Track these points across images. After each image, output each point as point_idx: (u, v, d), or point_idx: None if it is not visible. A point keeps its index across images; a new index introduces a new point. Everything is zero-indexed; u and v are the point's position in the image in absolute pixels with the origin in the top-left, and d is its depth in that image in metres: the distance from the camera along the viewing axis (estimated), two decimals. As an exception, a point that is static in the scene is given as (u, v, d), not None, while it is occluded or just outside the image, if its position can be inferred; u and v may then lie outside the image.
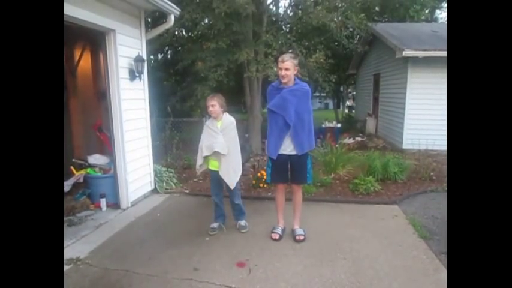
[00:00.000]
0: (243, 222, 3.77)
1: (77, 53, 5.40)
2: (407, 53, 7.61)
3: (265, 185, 5.13)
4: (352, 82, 16.92)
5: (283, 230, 3.57)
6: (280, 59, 3.25)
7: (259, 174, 5.24)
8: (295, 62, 3.26)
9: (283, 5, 12.26)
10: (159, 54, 13.25)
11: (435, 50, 7.58)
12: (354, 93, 18.01)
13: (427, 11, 15.60)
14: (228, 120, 3.58)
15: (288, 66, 3.18)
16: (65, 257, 3.11)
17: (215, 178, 3.63)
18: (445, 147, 6.40)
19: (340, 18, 7.79)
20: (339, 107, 20.19)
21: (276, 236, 3.48)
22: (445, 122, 1.53)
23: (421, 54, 7.67)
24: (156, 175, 5.26)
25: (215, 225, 3.72)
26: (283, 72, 3.21)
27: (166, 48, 12.14)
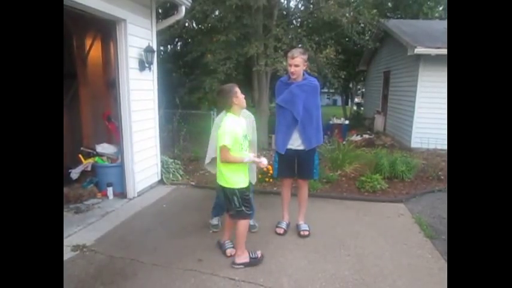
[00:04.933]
0: (252, 222, 3.42)
1: (88, 42, 5.42)
2: (419, 50, 7.48)
3: (270, 180, 5.13)
4: (362, 79, 16.75)
5: (288, 225, 3.57)
6: (290, 54, 3.23)
7: (265, 169, 5.22)
8: (305, 57, 3.24)
9: (294, -1, 12.13)
10: (168, 46, 13.26)
11: (448, 48, 7.43)
12: (363, 90, 17.85)
13: (440, 8, 15.34)
14: (250, 115, 3.37)
15: (298, 62, 3.16)
16: (71, 244, 3.16)
17: None
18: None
19: (352, 13, 7.71)
20: (347, 104, 20.00)
21: (281, 231, 3.49)
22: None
23: (433, 51, 7.53)
24: (162, 166, 5.29)
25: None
26: (292, 69, 3.19)
27: (176, 39, 12.15)
